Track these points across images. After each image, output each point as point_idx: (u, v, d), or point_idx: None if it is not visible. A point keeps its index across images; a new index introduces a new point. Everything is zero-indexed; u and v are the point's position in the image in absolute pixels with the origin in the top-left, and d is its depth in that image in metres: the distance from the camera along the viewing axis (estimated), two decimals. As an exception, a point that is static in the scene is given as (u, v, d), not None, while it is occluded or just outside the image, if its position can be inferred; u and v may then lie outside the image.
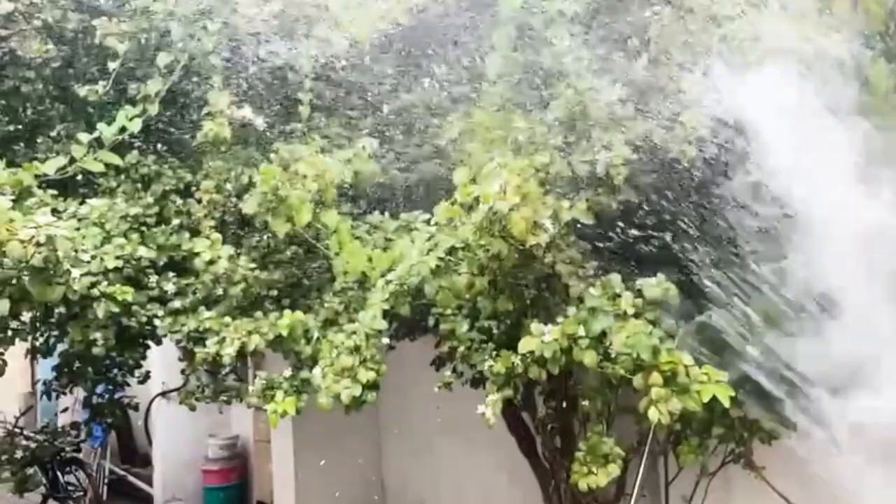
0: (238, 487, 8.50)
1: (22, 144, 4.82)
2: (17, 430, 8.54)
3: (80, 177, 4.60)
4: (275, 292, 4.19)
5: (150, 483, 9.00)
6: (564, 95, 3.46)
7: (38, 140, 4.56)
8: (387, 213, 4.24)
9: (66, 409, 8.30)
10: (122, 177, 4.44)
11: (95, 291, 3.65)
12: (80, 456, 8.58)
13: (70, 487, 8.54)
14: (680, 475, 4.61)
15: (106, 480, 9.09)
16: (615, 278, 3.30)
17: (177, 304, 3.97)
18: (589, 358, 3.21)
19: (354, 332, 3.51)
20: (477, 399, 3.65)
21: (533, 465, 4.93)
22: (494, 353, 3.67)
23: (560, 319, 3.31)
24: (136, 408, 6.70)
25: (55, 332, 5.43)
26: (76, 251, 3.45)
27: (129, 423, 9.91)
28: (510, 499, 6.05)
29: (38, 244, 2.97)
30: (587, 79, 3.42)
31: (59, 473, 8.55)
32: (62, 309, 3.86)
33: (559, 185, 3.48)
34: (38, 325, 5.55)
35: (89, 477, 8.50)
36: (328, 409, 3.47)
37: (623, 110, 3.37)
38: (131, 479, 9.48)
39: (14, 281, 3.12)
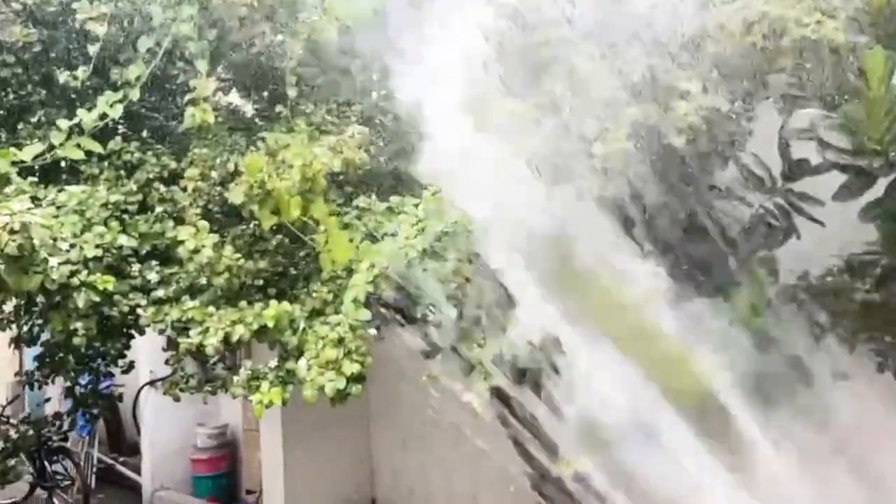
0: (227, 476, 8.45)
1: (3, 131, 4.72)
2: (3, 418, 8.47)
3: (63, 164, 4.52)
4: (261, 282, 4.11)
5: (138, 472, 8.94)
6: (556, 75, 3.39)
7: (20, 126, 4.45)
8: (373, 197, 4.17)
9: (48, 400, 8.23)
10: (105, 164, 4.34)
11: (75, 280, 3.56)
12: (68, 445, 8.50)
13: (58, 476, 8.47)
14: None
15: (94, 469, 9.04)
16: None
17: (160, 293, 3.88)
18: None
19: (339, 324, 3.44)
20: (467, 387, 3.60)
21: (523, 455, 4.89)
22: (482, 340, 3.62)
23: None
24: (119, 398, 6.62)
25: (39, 321, 5.36)
26: (54, 239, 3.36)
27: (118, 411, 9.87)
28: (500, 488, 6.02)
29: (13, 231, 2.88)
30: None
31: (46, 463, 8.49)
32: (43, 298, 3.76)
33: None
34: (21, 313, 5.49)
35: (77, 466, 8.43)
36: (313, 402, 3.41)
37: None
38: (120, 468, 9.42)
39: (-10, 270, 3.04)
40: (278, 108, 4.36)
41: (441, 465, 6.62)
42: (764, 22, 3.15)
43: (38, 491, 8.66)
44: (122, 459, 9.60)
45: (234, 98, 5.16)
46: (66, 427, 6.89)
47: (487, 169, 3.31)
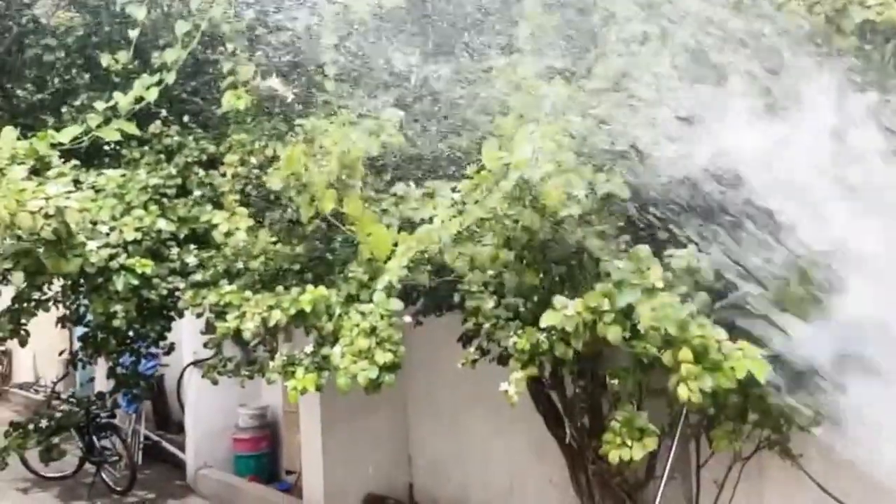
0: (267, 456, 8.57)
1: (49, 114, 4.80)
2: (54, 394, 8.74)
3: (106, 147, 4.57)
4: (297, 266, 4.10)
5: (183, 449, 9.13)
6: (607, 63, 3.28)
7: (63, 110, 4.51)
8: (412, 184, 4.12)
9: (92, 379, 8.42)
10: (146, 148, 4.38)
11: (114, 264, 3.60)
12: (116, 422, 8.72)
13: (106, 452, 8.70)
14: (712, 459, 4.48)
15: (141, 446, 9.25)
16: (643, 250, 3.10)
17: (198, 277, 3.90)
18: (613, 333, 3.02)
19: (370, 313, 3.40)
20: (505, 376, 3.54)
21: (560, 445, 4.83)
22: (520, 329, 3.55)
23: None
24: (159, 379, 6.73)
25: (85, 301, 5.47)
26: (94, 223, 3.39)
27: (164, 390, 10.08)
28: (537, 478, 5.97)
29: (48, 216, 2.90)
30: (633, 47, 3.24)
31: (94, 438, 8.72)
32: (83, 281, 3.81)
33: (594, 156, 3.30)
34: (69, 293, 5.60)
35: (124, 442, 8.63)
36: (346, 391, 3.39)
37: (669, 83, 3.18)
38: (165, 445, 9.62)
39: (29, 253, 3.08)
40: (316, 92, 4.33)
41: (478, 452, 6.59)
42: (826, 3, 2.99)
43: (87, 465, 8.92)
44: (168, 437, 9.80)
45: (274, 83, 5.14)
46: (111, 405, 7.03)
47: None
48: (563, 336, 3.19)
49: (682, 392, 2.91)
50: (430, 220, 3.50)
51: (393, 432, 7.30)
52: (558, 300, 3.15)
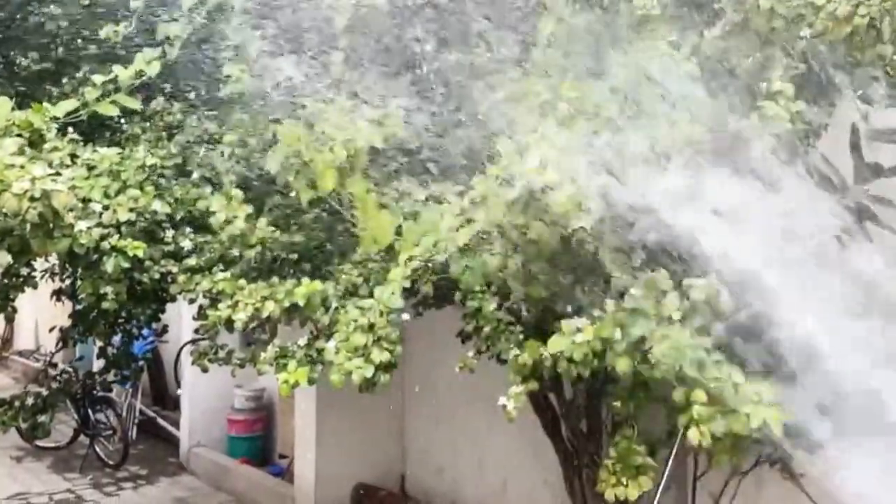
0: (262, 438, 8.51)
1: (51, 85, 4.68)
2: (52, 365, 8.69)
3: (109, 122, 4.45)
4: (295, 256, 3.99)
5: (178, 427, 9.09)
6: (626, 64, 3.13)
7: (64, 81, 4.40)
8: (416, 180, 3.99)
9: (81, 358, 8.37)
10: (147, 124, 4.26)
11: (106, 245, 3.49)
12: (112, 395, 8.68)
13: (100, 425, 8.68)
14: (710, 472, 4.39)
15: (136, 421, 9.21)
16: (661, 277, 2.96)
17: (192, 261, 3.79)
18: (623, 364, 2.90)
19: (370, 309, 3.28)
20: (504, 374, 3.43)
21: (556, 446, 4.74)
22: (522, 338, 3.43)
23: (596, 313, 3.01)
24: (156, 355, 6.65)
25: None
26: (86, 201, 3.27)
27: (162, 366, 10.03)
28: (530, 478, 5.88)
29: (33, 199, 2.79)
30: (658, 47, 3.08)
31: (90, 411, 8.70)
32: (70, 262, 3.71)
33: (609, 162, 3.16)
34: (66, 267, 5.51)
35: (119, 416, 8.60)
36: (340, 387, 3.28)
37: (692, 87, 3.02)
38: (161, 421, 9.59)
39: (15, 232, 2.97)
40: (324, 76, 4.19)
41: (473, 448, 6.51)
42: (872, 4, 2.83)
43: (81, 438, 8.90)
44: (163, 413, 9.77)
45: (281, 63, 5.01)
46: (96, 387, 6.97)
47: None
48: (569, 359, 3.06)
49: (693, 435, 2.80)
50: (434, 224, 3.37)
51: (388, 423, 7.21)
52: (567, 326, 3.02)
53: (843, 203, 3.74)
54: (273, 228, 3.82)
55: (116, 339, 5.63)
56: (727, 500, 4.49)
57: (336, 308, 3.61)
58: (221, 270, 3.77)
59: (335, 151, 3.37)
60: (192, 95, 4.72)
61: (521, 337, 3.44)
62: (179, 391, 9.06)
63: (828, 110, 3.53)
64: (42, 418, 5.12)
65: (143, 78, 3.68)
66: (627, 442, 3.36)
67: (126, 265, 3.55)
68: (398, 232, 3.52)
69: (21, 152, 3.10)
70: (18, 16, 4.56)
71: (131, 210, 3.62)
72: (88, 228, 3.35)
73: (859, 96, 3.26)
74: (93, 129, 4.38)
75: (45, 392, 5.67)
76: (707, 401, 2.77)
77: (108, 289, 3.64)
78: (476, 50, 4.12)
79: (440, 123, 4.18)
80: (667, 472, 4.24)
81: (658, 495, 4.30)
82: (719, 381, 2.73)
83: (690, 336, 2.77)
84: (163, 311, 4.90)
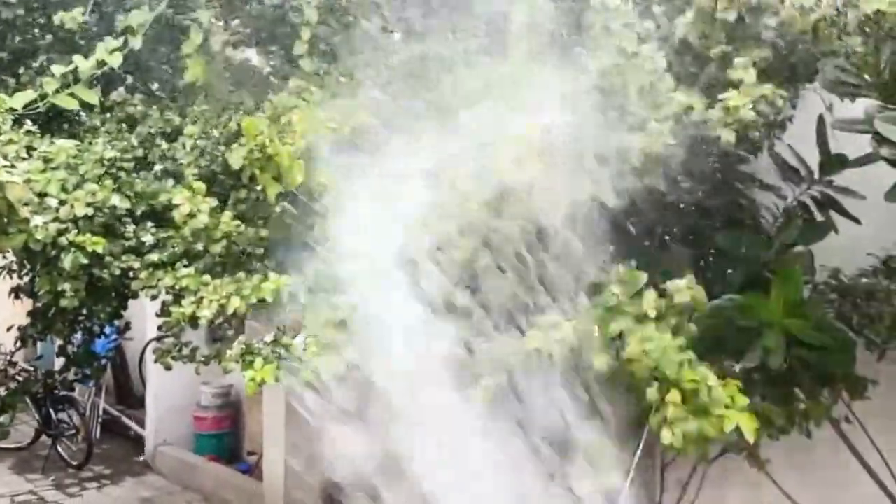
0: (229, 436, 8.39)
1: (8, 75, 4.52)
2: (11, 364, 8.46)
3: (68, 113, 4.31)
4: (262, 250, 3.90)
5: (143, 425, 8.93)
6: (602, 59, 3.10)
7: (20, 71, 4.25)
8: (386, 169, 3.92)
9: (40, 357, 8.18)
10: (108, 115, 4.14)
11: (63, 240, 3.37)
12: (75, 394, 8.48)
13: (63, 425, 8.49)
14: (677, 459, 4.43)
15: (99, 420, 9.03)
16: (638, 275, 2.97)
17: (154, 257, 3.68)
18: (600, 362, 2.92)
19: (341, 304, 3.22)
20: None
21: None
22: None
23: (568, 308, 2.99)
24: (121, 353, 6.50)
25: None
26: (42, 195, 3.16)
27: (126, 363, 9.83)
28: (499, 477, 5.86)
29: (-15, 192, 2.68)
30: (632, 40, 3.05)
31: (51, 411, 8.50)
32: (26, 258, 3.59)
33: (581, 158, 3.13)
34: (24, 264, 5.35)
35: (82, 416, 8.41)
36: (307, 385, 3.21)
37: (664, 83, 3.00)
38: (125, 420, 9.41)
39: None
40: (291, 67, 4.11)
41: (441, 440, 6.47)
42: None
43: (43, 438, 8.70)
44: (128, 412, 9.59)
45: (247, 53, 4.90)
46: (56, 385, 6.80)
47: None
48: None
49: (666, 436, 2.81)
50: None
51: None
52: (545, 320, 3.00)
53: (808, 193, 3.79)
54: (238, 222, 3.73)
55: (77, 336, 5.49)
56: (695, 487, 4.53)
57: (304, 305, 3.54)
58: (185, 266, 3.67)
59: (297, 142, 3.31)
60: (154, 86, 4.60)
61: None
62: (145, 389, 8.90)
63: (793, 101, 3.54)
64: (1, 419, 4.97)
65: (105, 68, 3.56)
66: (598, 434, 3.34)
67: (85, 261, 3.44)
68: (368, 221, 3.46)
69: (-27, 144, 2.98)
70: (-30, 4, 4.39)
71: (89, 204, 3.50)
72: (45, 223, 3.24)
73: (825, 86, 3.27)
74: (51, 119, 4.24)
75: (3, 392, 5.51)
76: (681, 401, 2.78)
77: (67, 286, 3.53)
78: (447, 38, 4.07)
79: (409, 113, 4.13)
80: (635, 460, 4.27)
81: (628, 483, 4.33)
82: (696, 382, 2.73)
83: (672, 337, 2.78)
84: (124, 309, 4.78)
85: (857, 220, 3.68)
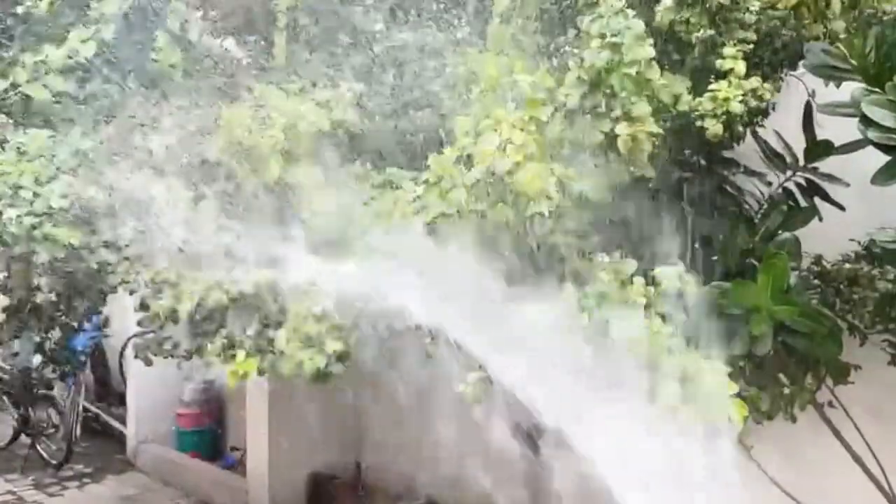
0: (212, 432, 8.31)
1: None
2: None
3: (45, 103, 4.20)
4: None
5: (124, 423, 8.82)
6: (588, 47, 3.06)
7: (-9, 61, 4.14)
8: (369, 165, 3.87)
9: (16, 354, 8.04)
10: (83, 107, 4.04)
11: (38, 234, 3.29)
12: (54, 393, 8.36)
13: (42, 424, 8.36)
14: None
15: (79, 418, 8.89)
16: (628, 263, 2.94)
17: (132, 250, 3.61)
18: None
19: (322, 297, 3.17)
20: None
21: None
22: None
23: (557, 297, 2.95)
24: (101, 350, 6.40)
25: (14, 270, 5.11)
26: (18, 188, 3.08)
27: (106, 360, 9.71)
28: (489, 471, 5.84)
29: (-47, 184, 2.60)
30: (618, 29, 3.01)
31: (30, 409, 8.38)
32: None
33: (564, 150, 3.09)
34: (-2, 259, 5.23)
35: (61, 414, 8.28)
36: (290, 378, 3.17)
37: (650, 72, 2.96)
38: (106, 417, 9.30)
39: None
40: (270, 57, 4.04)
41: (430, 437, 6.44)
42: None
43: (22, 437, 8.57)
44: (108, 409, 9.47)
45: (226, 42, 4.82)
46: (34, 383, 6.68)
47: None
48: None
49: None
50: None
51: (343, 410, 7.09)
52: (532, 310, 2.95)
53: (793, 180, 3.78)
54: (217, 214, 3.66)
55: (55, 333, 5.39)
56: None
57: (285, 297, 3.49)
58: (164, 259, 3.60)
59: (276, 134, 3.25)
60: (130, 77, 4.50)
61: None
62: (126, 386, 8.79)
63: (777, 85, 3.53)
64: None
65: (79, 58, 3.47)
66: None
67: (60, 255, 3.36)
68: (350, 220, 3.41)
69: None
70: (-62, -8, 4.27)
71: (63, 197, 3.42)
72: (18, 217, 3.16)
73: (810, 70, 3.25)
74: (27, 111, 4.14)
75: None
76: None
77: (42, 281, 3.44)
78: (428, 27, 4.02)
79: (392, 105, 4.08)
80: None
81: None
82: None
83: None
84: (103, 304, 4.69)
85: (841, 207, 3.68)
